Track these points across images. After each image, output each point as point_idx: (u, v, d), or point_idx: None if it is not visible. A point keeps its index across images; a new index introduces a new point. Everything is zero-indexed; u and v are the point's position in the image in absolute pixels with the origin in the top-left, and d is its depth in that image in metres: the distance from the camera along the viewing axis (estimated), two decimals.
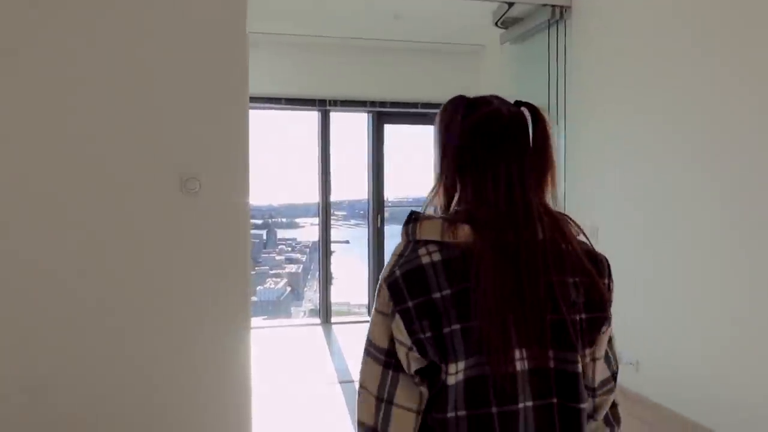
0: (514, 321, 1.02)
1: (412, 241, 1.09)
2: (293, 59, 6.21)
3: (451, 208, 1.14)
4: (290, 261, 7.81)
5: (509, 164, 1.09)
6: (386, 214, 6.77)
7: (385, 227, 6.77)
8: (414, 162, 7.06)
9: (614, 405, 1.20)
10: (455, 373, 1.02)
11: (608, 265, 1.14)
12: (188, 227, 2.72)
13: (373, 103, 6.46)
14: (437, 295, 1.02)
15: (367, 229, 6.78)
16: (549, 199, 1.14)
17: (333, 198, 6.59)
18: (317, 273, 7.03)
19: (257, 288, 7.24)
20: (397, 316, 1.04)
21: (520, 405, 1.02)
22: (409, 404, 1.05)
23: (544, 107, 1.33)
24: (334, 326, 6.40)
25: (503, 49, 5.83)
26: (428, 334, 1.02)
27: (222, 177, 2.74)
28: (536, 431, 1.03)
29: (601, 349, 1.12)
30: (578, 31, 4.84)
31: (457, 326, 1.01)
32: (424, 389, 1.05)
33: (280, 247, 7.63)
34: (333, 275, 6.69)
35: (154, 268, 2.71)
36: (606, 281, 1.12)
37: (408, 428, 1.05)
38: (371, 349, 1.11)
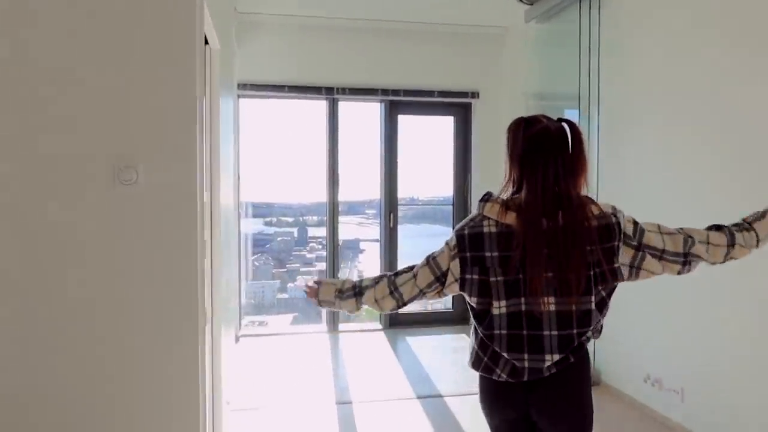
0: (548, 278, 1.62)
1: (480, 214, 1.69)
2: (297, 43, 5.73)
3: (513, 194, 1.71)
4: (320, 259, 7.71)
5: (556, 163, 1.64)
6: (401, 213, 6.29)
7: (409, 226, 6.45)
8: (430, 156, 6.48)
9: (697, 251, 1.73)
10: (499, 307, 1.66)
11: (619, 227, 1.66)
12: (124, 224, 2.23)
13: (385, 92, 5.93)
14: (488, 254, 1.66)
15: (379, 229, 6.25)
16: (585, 188, 1.69)
17: (365, 197, 6.29)
18: (347, 271, 6.91)
19: (288, 285, 7.17)
20: (457, 259, 1.69)
21: (545, 332, 1.65)
22: (428, 297, 1.79)
23: (580, 124, 1.83)
24: (341, 335, 5.88)
25: (528, 28, 5.25)
26: (476, 277, 1.67)
27: (166, 166, 2.23)
28: (558, 349, 1.65)
29: (653, 268, 1.70)
30: (612, 4, 4.22)
31: (501, 278, 1.65)
32: (432, 298, 1.80)
33: (310, 245, 7.46)
34: (363, 273, 6.76)
35: (82, 270, 2.22)
36: (616, 243, 1.65)
37: (415, 302, 1.82)
38: (432, 263, 1.75)
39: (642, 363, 3.85)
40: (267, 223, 7.28)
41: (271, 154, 6.47)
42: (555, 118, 1.72)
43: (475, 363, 1.75)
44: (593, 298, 1.63)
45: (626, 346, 4.04)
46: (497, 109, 6.02)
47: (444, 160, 6.33)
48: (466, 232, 1.68)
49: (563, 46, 4.74)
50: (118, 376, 2.30)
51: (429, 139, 6.52)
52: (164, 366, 2.32)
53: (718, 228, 1.78)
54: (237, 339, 5.51)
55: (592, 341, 1.77)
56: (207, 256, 2.92)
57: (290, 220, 7.33)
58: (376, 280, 1.81)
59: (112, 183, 2.19)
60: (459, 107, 6.24)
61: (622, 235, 1.65)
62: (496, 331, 1.66)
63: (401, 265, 5.52)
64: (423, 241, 6.73)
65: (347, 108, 6.06)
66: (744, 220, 1.80)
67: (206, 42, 3.13)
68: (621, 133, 4.16)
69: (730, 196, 3.19)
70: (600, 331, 1.73)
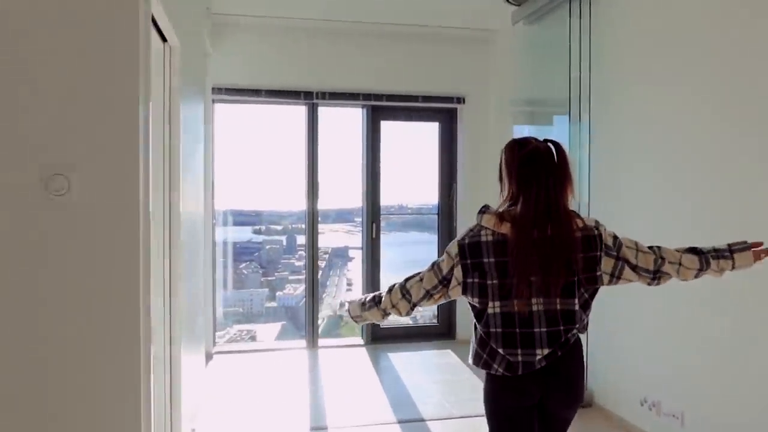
0: (535, 281, 1.85)
1: (479, 224, 1.92)
2: (276, 45, 5.48)
3: (509, 207, 1.93)
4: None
5: (546, 178, 1.88)
6: (390, 220, 6.06)
7: (398, 233, 6.27)
8: (415, 163, 6.23)
9: (663, 268, 1.96)
10: (493, 307, 1.88)
11: (600, 238, 1.90)
12: (54, 241, 1.95)
13: (367, 96, 5.68)
14: (486, 260, 1.88)
15: (361, 238, 5.98)
16: (571, 201, 1.93)
17: (348, 205, 6.09)
18: (336, 279, 6.87)
19: (277, 293, 6.99)
20: (459, 266, 1.91)
21: (536, 329, 1.87)
22: (436, 298, 2.00)
23: (564, 143, 1.98)
24: (321, 351, 5.60)
25: (515, 30, 5.02)
26: (476, 281, 1.89)
27: (103, 174, 1.96)
28: (548, 344, 1.87)
29: (631, 277, 1.93)
30: (605, 5, 4.01)
31: (496, 281, 1.87)
32: (439, 300, 2.02)
33: (299, 253, 7.19)
34: (352, 282, 6.78)
35: (4, 293, 1.94)
36: (598, 253, 1.89)
37: (425, 304, 2.02)
38: (436, 268, 1.97)
39: (638, 384, 3.60)
40: (256, 231, 7.05)
41: (253, 160, 6.21)
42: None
43: (476, 359, 1.95)
44: (577, 300, 1.88)
45: (621, 365, 3.80)
46: (484, 114, 5.80)
47: (429, 168, 6.09)
48: (466, 241, 1.90)
49: (552, 49, 4.51)
50: (44, 411, 2.01)
51: (413, 146, 6.27)
52: (102, 397, 2.03)
53: (694, 252, 1.98)
54: (210, 356, 5.22)
55: (584, 348, 2.00)
56: (157, 272, 2.65)
57: (279, 228, 7.11)
58: (390, 289, 2.05)
59: (39, 194, 1.91)
60: (444, 113, 6.00)
61: (603, 246, 1.89)
62: (492, 329, 1.88)
63: (383, 278, 5.11)
64: (410, 249, 6.51)
65: (327, 113, 5.81)
66: (729, 245, 2.00)
67: (164, 39, 2.88)
68: (611, 138, 3.94)
69: (718, 203, 3.01)
70: (586, 327, 1.97)
